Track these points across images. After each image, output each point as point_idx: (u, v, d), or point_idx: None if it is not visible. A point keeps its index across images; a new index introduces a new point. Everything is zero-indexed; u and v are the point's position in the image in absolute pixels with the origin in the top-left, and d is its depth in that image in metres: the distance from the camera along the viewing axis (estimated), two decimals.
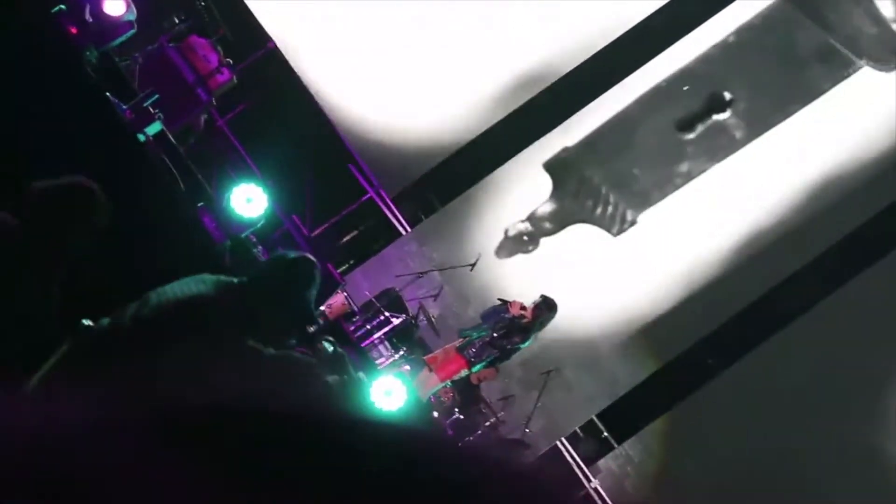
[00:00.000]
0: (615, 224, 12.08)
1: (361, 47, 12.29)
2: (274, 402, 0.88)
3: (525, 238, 12.07)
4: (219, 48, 10.03)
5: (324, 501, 0.81)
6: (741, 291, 11.76)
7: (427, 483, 0.86)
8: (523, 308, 10.54)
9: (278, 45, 11.91)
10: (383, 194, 12.00)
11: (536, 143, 12.25)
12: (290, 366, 4.84)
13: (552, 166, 12.25)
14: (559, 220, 12.13)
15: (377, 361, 10.51)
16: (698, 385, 11.69)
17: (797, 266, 11.74)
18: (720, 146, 12.10)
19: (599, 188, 12.18)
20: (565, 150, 12.29)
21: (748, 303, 11.76)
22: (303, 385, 4.83)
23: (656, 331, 11.81)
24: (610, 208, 12.10)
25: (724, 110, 12.02)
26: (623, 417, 11.76)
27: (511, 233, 12.06)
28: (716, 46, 12.19)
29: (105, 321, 4.71)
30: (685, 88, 12.14)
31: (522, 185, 12.16)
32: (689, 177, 12.12)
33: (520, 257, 11.91)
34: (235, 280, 4.87)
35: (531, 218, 12.13)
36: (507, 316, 10.53)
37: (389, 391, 9.42)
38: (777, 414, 11.57)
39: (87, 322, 4.69)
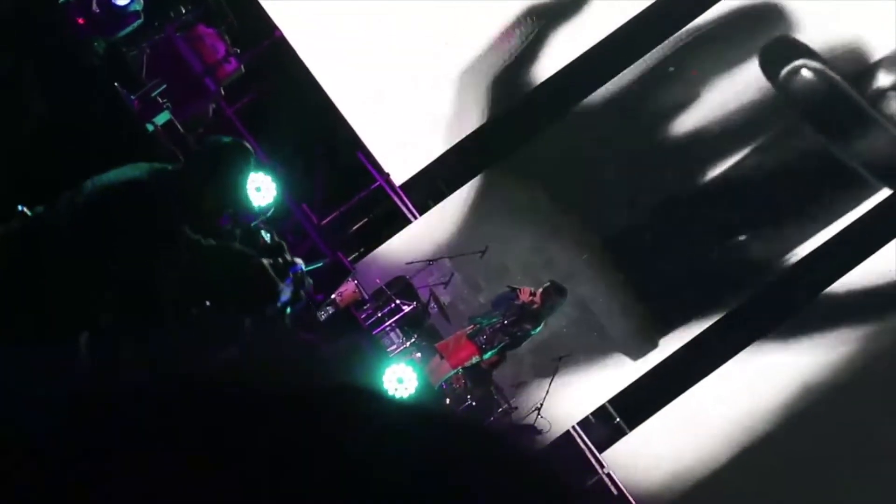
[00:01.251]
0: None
1: (369, 35, 12.26)
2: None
3: (534, 224, 12.05)
4: (226, 37, 10.02)
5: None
6: (752, 276, 11.74)
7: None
8: (533, 294, 10.54)
9: (285, 33, 11.88)
10: (392, 182, 11.98)
11: (545, 130, 12.22)
12: (228, 255, 4.87)
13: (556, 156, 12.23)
14: (567, 207, 12.11)
15: (389, 349, 10.52)
16: (710, 369, 11.67)
17: (812, 247, 11.73)
18: None
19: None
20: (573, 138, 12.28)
21: (760, 288, 11.74)
22: (239, 273, 4.86)
23: (668, 315, 11.80)
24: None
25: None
26: (635, 403, 11.75)
27: (520, 219, 12.04)
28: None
29: (39, 209, 4.74)
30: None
31: (532, 172, 12.14)
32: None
33: (529, 243, 11.88)
34: (170, 166, 4.91)
35: (538, 204, 12.10)
36: (517, 302, 10.53)
37: (401, 378, 9.43)
38: (789, 399, 11.56)
39: (22, 208, 4.73)
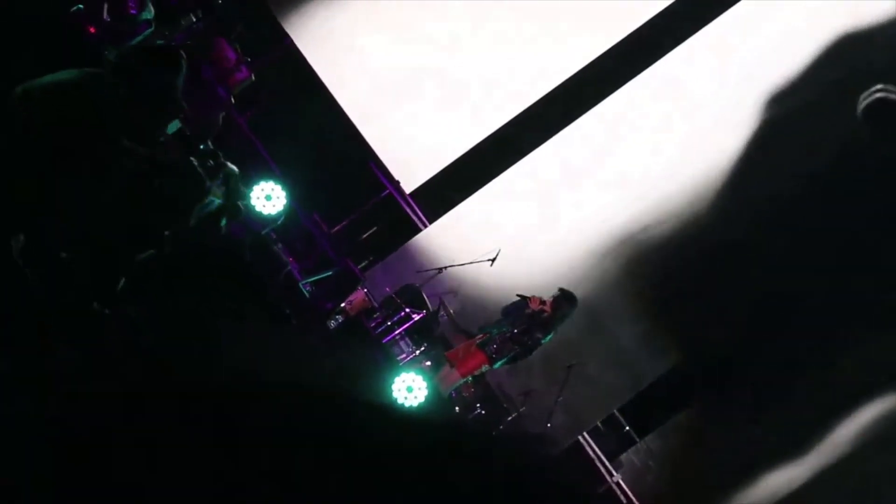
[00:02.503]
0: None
1: (379, 43, 12.28)
2: None
3: (543, 232, 12.04)
4: (237, 46, 10.04)
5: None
6: (763, 283, 11.72)
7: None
8: (543, 302, 10.53)
9: (295, 42, 11.91)
10: (402, 190, 11.99)
11: (555, 137, 12.22)
12: (162, 161, 4.89)
13: None
14: (576, 216, 12.10)
15: (398, 357, 10.51)
16: (719, 379, 11.65)
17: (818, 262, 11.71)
18: None
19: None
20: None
21: (768, 297, 11.72)
22: (170, 173, 4.87)
23: (678, 324, 11.78)
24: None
25: None
26: (645, 411, 11.73)
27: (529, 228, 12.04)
28: None
29: None
30: None
31: (541, 180, 12.13)
32: None
33: (540, 251, 11.88)
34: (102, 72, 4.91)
35: (549, 213, 12.10)
36: (527, 311, 10.52)
37: (411, 387, 9.43)
38: (797, 405, 11.53)
39: None
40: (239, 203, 6.20)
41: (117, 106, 4.86)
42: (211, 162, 5.83)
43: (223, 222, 6.07)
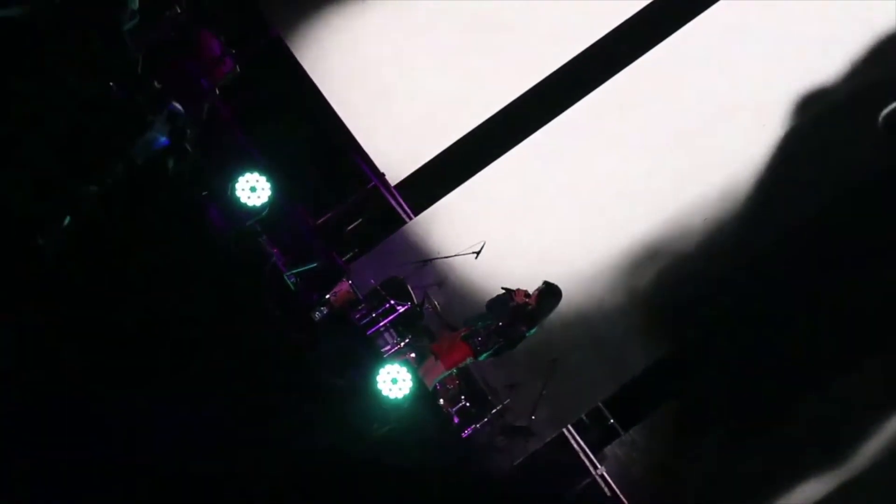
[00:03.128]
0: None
1: (364, 34, 12.26)
2: None
3: (528, 225, 12.04)
4: (221, 38, 10.01)
5: None
6: (749, 275, 11.75)
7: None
8: (528, 295, 10.54)
9: (280, 33, 11.88)
10: (387, 182, 11.98)
11: (542, 130, 12.21)
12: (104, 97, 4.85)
13: None
14: (560, 209, 12.10)
15: (383, 349, 10.51)
16: (705, 370, 11.67)
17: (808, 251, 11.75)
18: None
19: None
20: None
21: (754, 288, 11.75)
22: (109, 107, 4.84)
23: (662, 316, 11.79)
24: None
25: None
26: (629, 404, 11.75)
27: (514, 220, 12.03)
28: None
29: None
30: None
31: (527, 173, 12.13)
32: None
33: (524, 244, 11.87)
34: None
35: (533, 206, 12.10)
36: (511, 304, 10.53)
37: (395, 379, 9.43)
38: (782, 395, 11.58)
39: None
40: (186, 145, 6.09)
41: (62, 40, 4.79)
42: (152, 97, 5.71)
43: (171, 164, 5.98)
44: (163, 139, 5.85)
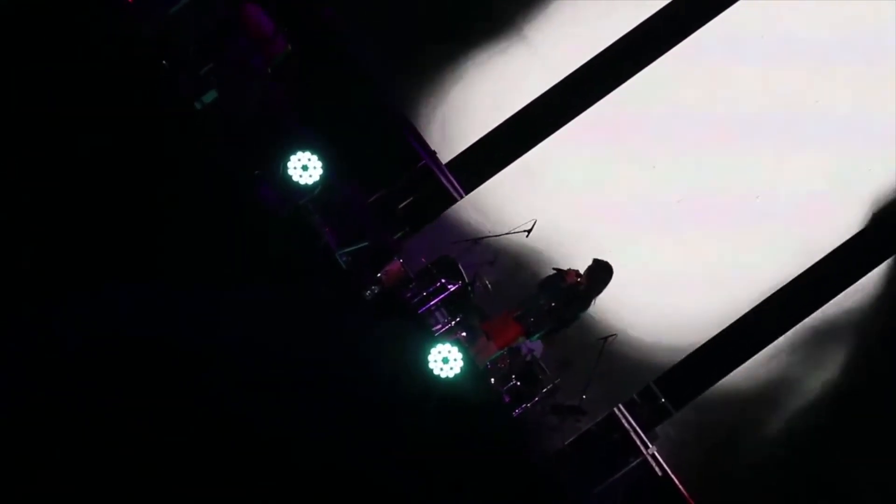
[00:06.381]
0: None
1: (415, 13, 12.25)
2: None
3: (581, 203, 11.99)
4: (274, 17, 10.04)
5: None
6: (805, 252, 11.65)
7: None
8: (578, 275, 10.51)
9: (334, 12, 11.89)
10: (439, 160, 11.98)
11: (594, 107, 12.15)
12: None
13: None
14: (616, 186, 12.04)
15: (434, 328, 10.53)
16: (757, 350, 11.60)
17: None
18: None
19: None
20: None
21: (811, 264, 11.65)
22: None
23: (715, 294, 11.71)
24: None
25: None
26: (681, 383, 11.68)
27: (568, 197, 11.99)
28: None
29: None
30: None
31: (579, 149, 12.08)
32: None
33: (576, 221, 11.82)
34: None
35: (585, 182, 12.05)
36: (563, 285, 10.51)
37: (446, 358, 9.45)
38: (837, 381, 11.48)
39: None
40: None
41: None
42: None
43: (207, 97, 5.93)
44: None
